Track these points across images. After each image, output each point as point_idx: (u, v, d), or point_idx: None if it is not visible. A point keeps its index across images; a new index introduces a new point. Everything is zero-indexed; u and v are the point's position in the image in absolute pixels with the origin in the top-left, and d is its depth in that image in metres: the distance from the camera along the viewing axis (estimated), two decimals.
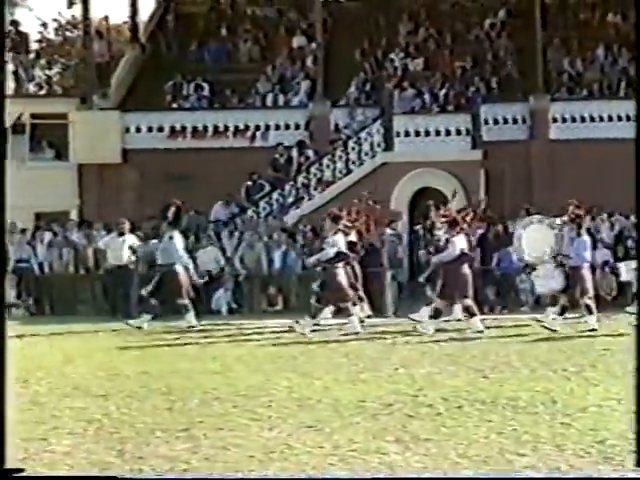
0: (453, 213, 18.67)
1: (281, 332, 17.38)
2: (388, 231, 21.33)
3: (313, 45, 28.63)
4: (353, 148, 25.96)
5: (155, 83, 28.39)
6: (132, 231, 21.08)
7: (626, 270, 20.73)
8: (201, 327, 18.40)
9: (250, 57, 29.76)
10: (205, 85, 28.42)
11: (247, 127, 27.06)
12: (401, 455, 8.25)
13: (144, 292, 18.97)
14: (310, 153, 26.35)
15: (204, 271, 21.60)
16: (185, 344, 16.23)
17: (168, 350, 15.55)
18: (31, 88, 39.73)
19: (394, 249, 21.55)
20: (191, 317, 18.63)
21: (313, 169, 25.93)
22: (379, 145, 25.85)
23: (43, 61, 44.09)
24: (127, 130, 27.02)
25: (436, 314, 17.39)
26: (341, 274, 17.89)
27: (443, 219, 18.38)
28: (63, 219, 22.49)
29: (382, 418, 9.70)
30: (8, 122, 26.61)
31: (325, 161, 25.94)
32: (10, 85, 42.97)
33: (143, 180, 24.19)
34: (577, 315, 17.88)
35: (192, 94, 28.31)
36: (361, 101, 27.57)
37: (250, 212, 25.25)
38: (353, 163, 25.79)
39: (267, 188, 25.88)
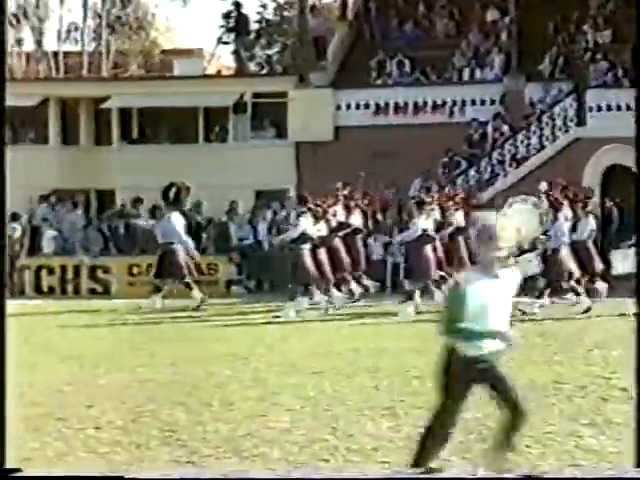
0: None
1: None
2: None
3: (506, 19, 28.03)
4: (547, 123, 24.96)
5: (362, 60, 28.10)
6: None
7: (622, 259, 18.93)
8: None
9: (446, 33, 29.33)
10: (406, 61, 28.04)
11: (445, 103, 26.50)
12: (595, 439, 8.09)
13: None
14: (505, 129, 25.60)
15: None
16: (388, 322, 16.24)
17: (374, 329, 15.43)
18: (252, 67, 40.43)
19: None
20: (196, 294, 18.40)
21: (507, 145, 25.10)
22: (572, 120, 24.75)
23: (263, 41, 44.71)
24: (338, 107, 26.78)
25: None
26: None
27: None
28: (282, 197, 22.53)
29: (576, 400, 9.54)
30: (229, 101, 26.94)
31: (519, 137, 25.04)
32: (232, 65, 43.79)
33: (351, 158, 24.08)
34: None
35: (394, 70, 28.15)
36: (555, 75, 26.87)
37: (447, 190, 23.89)
38: (547, 139, 24.79)
39: (463, 164, 25.27)
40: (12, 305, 20.11)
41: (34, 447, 8.09)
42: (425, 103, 26.64)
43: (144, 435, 8.46)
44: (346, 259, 18.47)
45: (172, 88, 27.51)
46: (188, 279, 18.46)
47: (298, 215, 17.64)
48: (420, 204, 17.56)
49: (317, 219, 17.69)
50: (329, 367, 11.48)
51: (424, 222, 17.42)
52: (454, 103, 26.48)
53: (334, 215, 18.49)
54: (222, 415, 9.20)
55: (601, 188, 23.70)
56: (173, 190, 18.83)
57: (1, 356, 6.38)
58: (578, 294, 16.94)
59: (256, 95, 27.13)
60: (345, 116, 26.70)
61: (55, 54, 50.24)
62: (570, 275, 16.95)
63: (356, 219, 19.17)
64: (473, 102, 26.44)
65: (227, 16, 40.98)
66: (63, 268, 22.19)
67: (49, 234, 22.12)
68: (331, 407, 9.40)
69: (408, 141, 24.91)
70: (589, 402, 9.56)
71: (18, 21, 51.49)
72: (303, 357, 12.36)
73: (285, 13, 45.74)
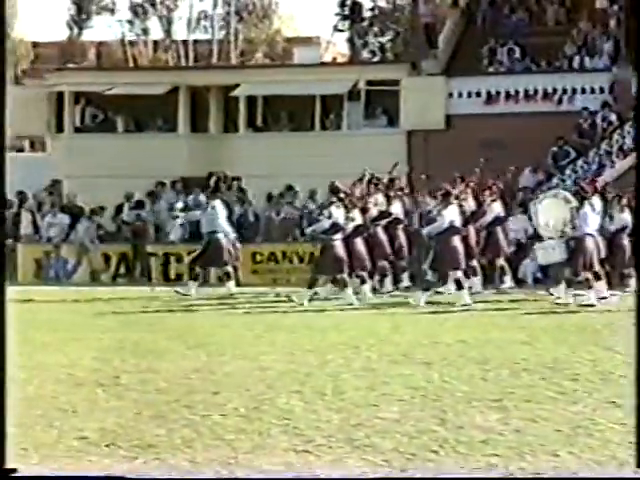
0: None
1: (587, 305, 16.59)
2: None
3: (615, 7, 27.50)
4: None
5: (473, 48, 27.86)
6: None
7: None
8: (511, 297, 18.04)
9: (557, 20, 28.89)
10: (516, 49, 27.67)
11: (555, 91, 26.15)
12: None
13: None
14: (613, 118, 25.14)
15: (513, 239, 20.65)
16: (496, 310, 16.17)
17: (483, 320, 15.30)
18: (365, 55, 40.42)
19: None
20: (231, 285, 18.34)
21: (615, 135, 24.64)
22: None
23: (376, 28, 44.65)
24: (450, 95, 26.55)
25: None
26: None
27: None
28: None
29: None
30: (345, 88, 26.95)
31: (626, 127, 24.51)
32: (346, 52, 43.88)
33: (462, 146, 23.92)
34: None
35: (505, 58, 27.86)
36: None
37: (555, 180, 24.31)
38: None
39: (572, 154, 24.87)
40: (138, 290, 20.58)
41: (160, 434, 8.19)
42: (535, 91, 26.29)
43: (265, 423, 8.55)
44: (387, 248, 18.37)
45: (293, 76, 27.59)
46: (229, 268, 18.58)
47: (329, 205, 17.49)
48: (446, 195, 17.29)
49: (349, 209, 17.48)
50: (438, 358, 11.48)
51: (450, 213, 17.20)
52: (564, 91, 26.10)
53: (375, 204, 18.39)
54: (335, 404, 9.26)
55: None
56: (213, 179, 19.04)
57: (1, 357, 6.15)
58: (590, 287, 16.65)
59: (369, 83, 26.98)
60: (456, 104, 26.47)
61: (184, 42, 50.88)
62: (591, 266, 16.64)
63: (396, 208, 18.96)
64: (583, 91, 26.03)
65: (342, 4, 41.10)
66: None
67: (177, 222, 22.48)
68: (440, 398, 9.39)
69: (518, 130, 24.58)
70: None
71: (144, 11, 52.27)
72: (412, 347, 12.37)
73: (397, 1, 45.63)
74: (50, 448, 7.75)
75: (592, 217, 16.91)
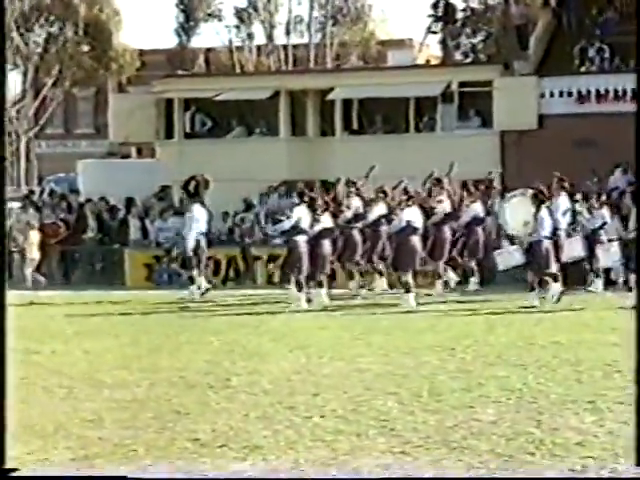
0: None
1: None
2: None
3: None
4: None
5: (565, 47, 27.35)
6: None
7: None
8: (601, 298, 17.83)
9: None
10: (606, 48, 27.10)
11: None
12: None
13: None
14: None
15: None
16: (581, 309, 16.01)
17: (573, 319, 15.23)
18: (457, 56, 40.12)
19: None
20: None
21: None
22: None
23: (468, 29, 44.32)
24: (542, 95, 25.99)
25: None
26: None
27: None
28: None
29: None
30: (438, 90, 26.73)
31: None
32: (438, 54, 43.63)
33: (555, 146, 23.54)
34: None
35: (595, 58, 27.43)
36: None
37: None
38: None
39: None
40: (242, 294, 20.62)
41: (266, 435, 8.25)
42: (624, 91, 25.65)
43: (363, 424, 8.56)
44: (359, 249, 18.41)
45: (387, 79, 27.43)
46: (195, 271, 18.72)
47: (293, 207, 17.75)
48: (408, 197, 17.55)
49: (315, 211, 17.62)
50: (532, 359, 11.39)
51: (409, 214, 17.38)
52: None
53: (348, 207, 18.48)
54: (431, 405, 9.24)
55: None
56: (193, 184, 19.03)
57: (1, 357, 6.06)
58: (541, 287, 16.79)
59: (462, 84, 26.56)
60: (549, 104, 25.96)
61: (284, 47, 51.08)
62: (547, 268, 16.63)
63: (380, 210, 18.81)
64: None
65: (435, 5, 40.88)
66: None
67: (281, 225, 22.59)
68: (535, 400, 9.31)
69: (609, 129, 23.80)
70: None
71: (249, 16, 52.57)
72: (507, 349, 12.28)
73: (489, 1, 45.21)
74: (163, 450, 7.85)
75: (548, 220, 16.84)
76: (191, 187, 19.16)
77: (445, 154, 24.81)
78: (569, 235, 18.35)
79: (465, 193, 19.35)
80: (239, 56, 50.80)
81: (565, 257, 17.88)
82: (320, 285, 17.90)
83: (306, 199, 17.82)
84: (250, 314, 16.95)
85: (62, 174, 35.57)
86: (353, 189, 18.99)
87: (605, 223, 18.99)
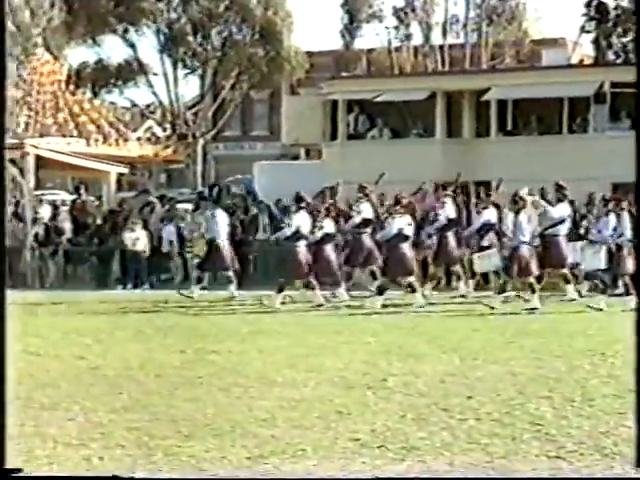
0: None
1: None
2: None
3: None
4: None
5: None
6: None
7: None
8: None
9: None
10: None
11: None
12: None
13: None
14: None
15: None
16: None
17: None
18: (609, 56, 39.17)
19: None
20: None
21: None
22: None
23: (619, 29, 43.26)
24: None
25: None
26: None
27: None
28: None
29: None
30: (591, 90, 26.05)
31: None
32: (590, 54, 42.67)
33: None
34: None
35: None
36: None
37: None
38: None
39: None
40: (398, 295, 20.45)
41: (421, 437, 8.31)
42: None
43: (517, 428, 8.55)
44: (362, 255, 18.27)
45: (541, 78, 26.81)
46: (230, 272, 18.83)
47: (294, 213, 17.67)
48: (397, 204, 17.42)
49: (316, 217, 17.59)
50: None
51: (400, 221, 17.22)
52: None
53: (359, 212, 18.45)
54: (584, 410, 9.18)
55: None
56: (216, 190, 19.27)
57: (1, 357, 5.71)
58: (534, 291, 16.36)
59: (614, 85, 25.51)
60: None
61: (441, 47, 50.72)
62: (527, 272, 16.35)
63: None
64: None
65: (588, 4, 40.04)
66: None
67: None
68: None
69: None
70: None
71: (406, 16, 52.39)
72: None
73: None
74: (327, 450, 8.01)
75: (527, 226, 16.57)
76: (214, 193, 19.86)
77: (595, 156, 24.37)
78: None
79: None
80: (397, 57, 50.73)
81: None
82: (312, 288, 17.72)
83: (303, 205, 17.87)
84: (406, 315, 16.76)
85: (239, 176, 35.84)
86: (362, 194, 18.98)
87: None
